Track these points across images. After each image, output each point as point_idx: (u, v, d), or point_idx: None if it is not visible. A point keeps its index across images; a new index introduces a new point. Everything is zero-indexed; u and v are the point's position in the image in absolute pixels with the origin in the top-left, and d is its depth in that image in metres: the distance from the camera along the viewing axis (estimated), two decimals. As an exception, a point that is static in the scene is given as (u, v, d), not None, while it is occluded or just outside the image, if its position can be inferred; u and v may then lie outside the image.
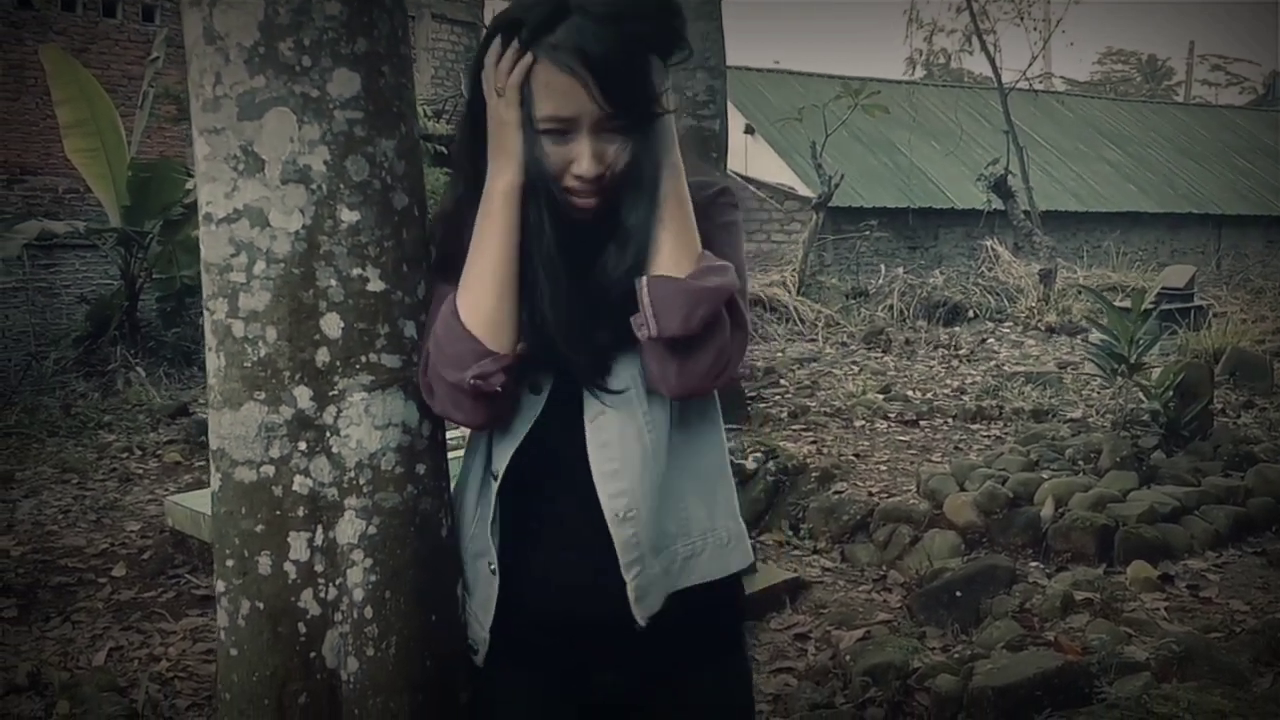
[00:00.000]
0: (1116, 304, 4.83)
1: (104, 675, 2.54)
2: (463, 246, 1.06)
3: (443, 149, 9.49)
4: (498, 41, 1.01)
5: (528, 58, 0.99)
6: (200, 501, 3.50)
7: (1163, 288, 7.85)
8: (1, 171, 9.96)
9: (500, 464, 1.09)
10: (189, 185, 7.42)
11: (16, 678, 2.53)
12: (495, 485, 1.09)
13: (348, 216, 1.07)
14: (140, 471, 4.74)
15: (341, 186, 1.07)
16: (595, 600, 1.08)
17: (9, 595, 3.15)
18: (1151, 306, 4.36)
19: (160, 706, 2.41)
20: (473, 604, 1.15)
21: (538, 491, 1.10)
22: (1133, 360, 4.16)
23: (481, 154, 1.06)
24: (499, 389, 1.03)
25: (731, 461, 4.15)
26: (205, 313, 1.11)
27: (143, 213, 7.42)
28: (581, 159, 1.00)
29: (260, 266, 1.07)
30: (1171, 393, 3.99)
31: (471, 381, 1.01)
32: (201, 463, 4.80)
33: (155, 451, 5.06)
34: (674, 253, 1.03)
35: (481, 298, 1.03)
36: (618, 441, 1.07)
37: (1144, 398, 4.21)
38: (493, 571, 1.10)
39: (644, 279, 1.02)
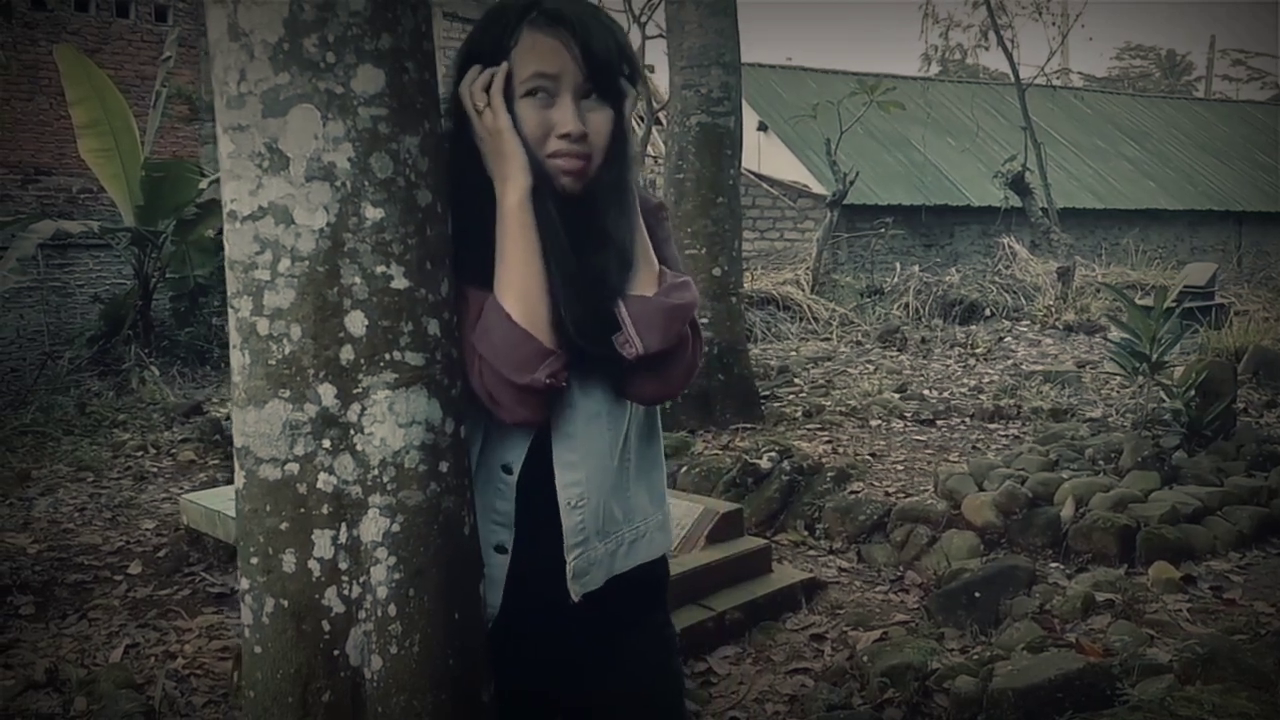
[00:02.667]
0: (1136, 302, 4.78)
1: (121, 672, 2.55)
2: (482, 258, 1.11)
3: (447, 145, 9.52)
4: (471, 71, 1.10)
5: (503, 66, 1.08)
6: (215, 500, 3.52)
7: (1184, 286, 7.76)
8: (16, 171, 10.02)
9: (516, 457, 1.16)
10: (202, 185, 7.47)
11: (34, 674, 2.55)
12: (513, 479, 1.15)
13: (372, 214, 1.07)
14: (155, 470, 4.78)
15: (366, 184, 1.06)
16: (556, 579, 1.18)
17: (26, 592, 3.18)
18: (1174, 305, 4.31)
19: (177, 703, 2.41)
20: None
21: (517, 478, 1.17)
22: (1154, 359, 4.12)
23: (468, 173, 1.13)
24: (564, 384, 1.10)
25: (746, 460, 4.15)
26: (230, 310, 1.11)
27: (156, 212, 7.47)
28: (565, 118, 1.08)
29: (285, 264, 1.06)
30: (1193, 392, 3.94)
31: (547, 380, 1.08)
32: (215, 461, 4.83)
33: (170, 450, 5.10)
34: (643, 271, 1.13)
35: (531, 300, 1.09)
36: (581, 434, 1.16)
37: (1165, 397, 4.17)
38: (502, 552, 1.17)
39: (622, 300, 1.11)
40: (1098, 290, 9.25)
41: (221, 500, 3.46)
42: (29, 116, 10.04)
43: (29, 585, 3.22)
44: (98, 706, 2.34)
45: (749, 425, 5.00)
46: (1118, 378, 5.55)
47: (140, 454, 5.04)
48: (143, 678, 2.56)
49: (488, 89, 1.09)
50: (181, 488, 4.38)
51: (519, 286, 1.09)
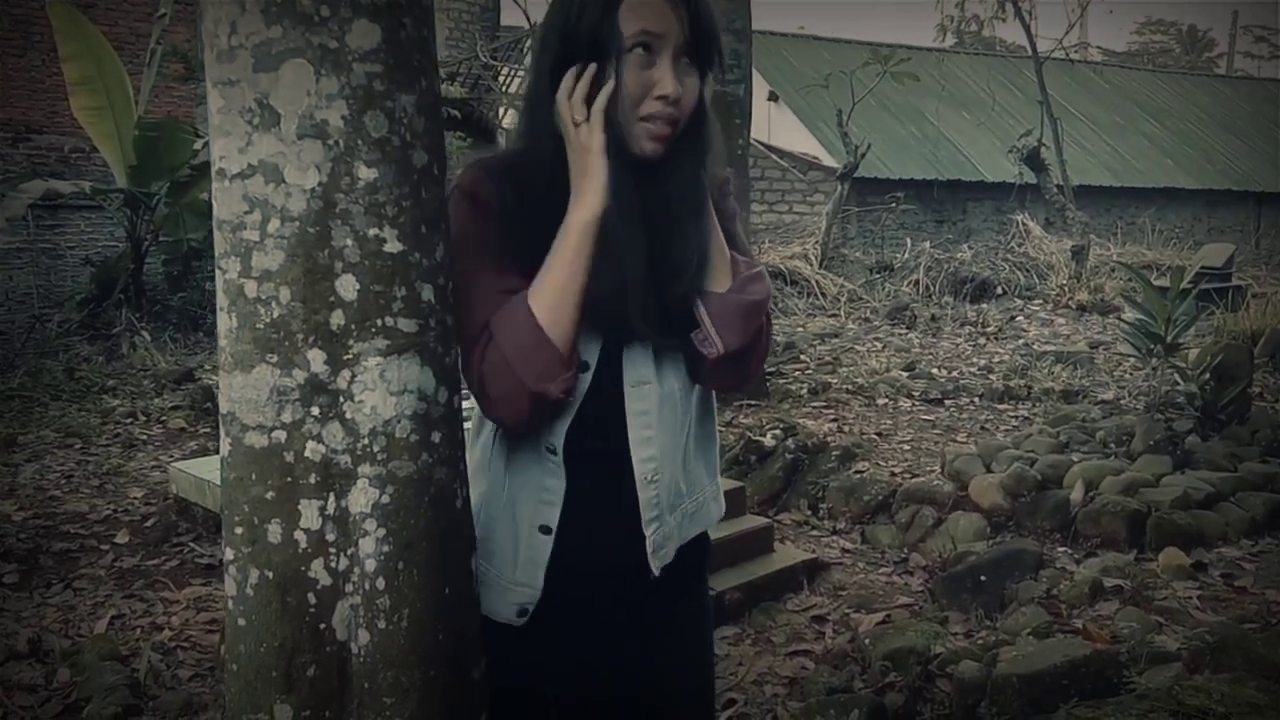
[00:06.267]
0: (1152, 282, 4.71)
1: (105, 643, 2.51)
2: (527, 247, 1.09)
3: (456, 112, 9.36)
4: (569, 75, 1.07)
5: (610, 83, 1.05)
6: (205, 468, 3.49)
7: (1201, 266, 7.65)
8: (7, 130, 9.85)
9: (557, 440, 1.12)
10: (197, 146, 7.33)
11: (17, 644, 2.51)
12: (559, 458, 1.12)
13: (365, 174, 1.03)
14: (144, 437, 4.72)
15: (359, 143, 1.02)
16: (621, 555, 1.16)
17: (10, 560, 3.13)
18: (1190, 286, 4.23)
19: (162, 676, 2.38)
20: (510, 570, 1.15)
21: (572, 454, 1.14)
22: (1169, 341, 4.05)
23: (551, 159, 1.10)
24: (571, 399, 1.09)
25: (750, 438, 4.10)
26: (217, 272, 1.08)
27: (149, 173, 7.34)
28: (665, 79, 1.06)
29: (274, 225, 1.03)
30: (1208, 375, 3.88)
31: (560, 394, 1.06)
32: (206, 429, 4.80)
33: (160, 417, 5.04)
34: (718, 260, 1.12)
35: (564, 313, 1.07)
36: (655, 410, 1.15)
37: (1179, 379, 4.11)
38: (546, 532, 1.14)
39: (699, 297, 1.11)
40: (1112, 270, 9.16)
41: (212, 469, 3.43)
42: (20, 73, 9.84)
43: (13, 553, 3.17)
44: (81, 678, 2.30)
45: (754, 402, 4.96)
46: (1131, 359, 5.49)
47: (129, 421, 4.98)
48: (128, 649, 2.52)
49: (588, 101, 1.06)
50: (171, 456, 4.33)
51: (554, 299, 1.07)
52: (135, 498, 3.80)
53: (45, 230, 9.25)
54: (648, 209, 1.10)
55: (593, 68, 1.06)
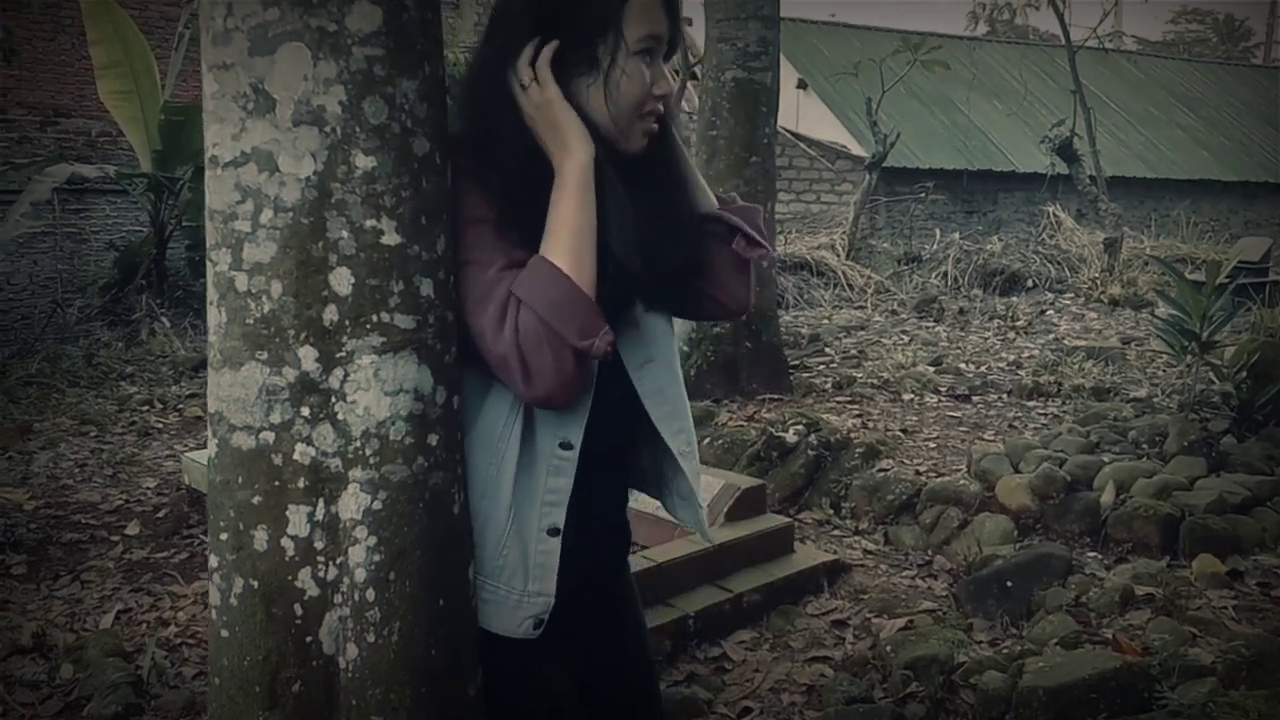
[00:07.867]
0: (1187, 276, 4.57)
1: (110, 639, 2.47)
2: (521, 218, 1.08)
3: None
4: (529, 45, 1.08)
5: (555, 43, 1.07)
6: (218, 459, 3.45)
7: (1237, 261, 7.44)
8: (35, 113, 9.91)
9: (575, 433, 1.09)
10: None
11: (21, 638, 2.47)
12: (573, 454, 1.09)
13: (363, 163, 0.98)
14: (160, 426, 4.69)
15: (357, 130, 0.98)
16: (609, 551, 1.23)
17: (19, 551, 3.09)
18: (1226, 281, 4.10)
19: (166, 674, 2.33)
20: (521, 582, 1.09)
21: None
22: (1204, 337, 3.92)
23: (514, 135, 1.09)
24: (611, 356, 1.07)
25: (771, 433, 4.01)
26: (208, 264, 1.04)
27: (174, 158, 7.37)
28: (665, 78, 1.13)
29: (267, 215, 0.99)
30: (1245, 373, 3.76)
31: (605, 350, 1.03)
32: (221, 419, 4.77)
33: (176, 405, 5.01)
34: (706, 201, 1.20)
35: (585, 259, 1.05)
36: (669, 385, 1.19)
37: (1215, 378, 3.99)
38: (554, 534, 1.10)
39: (720, 213, 1.18)
40: (1146, 263, 8.96)
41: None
42: (50, 56, 9.86)
43: (23, 544, 3.13)
44: (84, 674, 2.27)
45: (776, 396, 4.89)
46: (1164, 356, 5.35)
47: (146, 408, 4.96)
48: (133, 645, 2.48)
49: (533, 63, 1.08)
50: (186, 445, 4.30)
51: (574, 247, 1.04)
52: (148, 488, 3.78)
53: (70, 214, 9.32)
54: (641, 186, 1.12)
55: (554, 45, 1.07)
